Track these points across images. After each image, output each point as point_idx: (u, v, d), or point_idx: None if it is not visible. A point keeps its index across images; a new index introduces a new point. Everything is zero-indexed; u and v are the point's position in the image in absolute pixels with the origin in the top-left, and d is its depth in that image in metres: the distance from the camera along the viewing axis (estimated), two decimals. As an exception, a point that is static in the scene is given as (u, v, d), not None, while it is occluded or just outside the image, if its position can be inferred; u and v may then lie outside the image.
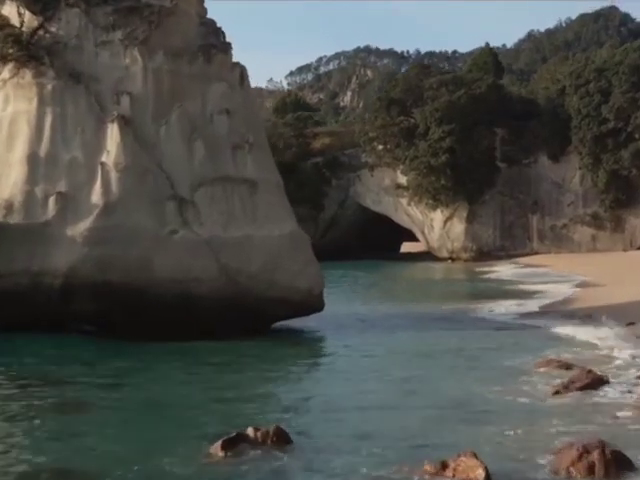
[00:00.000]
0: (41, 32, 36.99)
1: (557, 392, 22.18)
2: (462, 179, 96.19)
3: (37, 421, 19.66)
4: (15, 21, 37.56)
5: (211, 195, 36.49)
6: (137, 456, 16.60)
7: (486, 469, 14.58)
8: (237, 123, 37.54)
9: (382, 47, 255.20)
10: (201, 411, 21.03)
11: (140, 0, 37.22)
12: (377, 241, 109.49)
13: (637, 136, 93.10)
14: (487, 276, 74.32)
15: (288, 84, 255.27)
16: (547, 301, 49.10)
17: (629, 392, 22.06)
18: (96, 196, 35.65)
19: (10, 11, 38.00)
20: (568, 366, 25.95)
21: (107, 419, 20.64)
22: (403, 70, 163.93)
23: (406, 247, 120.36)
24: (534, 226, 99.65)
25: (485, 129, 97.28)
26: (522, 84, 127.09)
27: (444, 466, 15.04)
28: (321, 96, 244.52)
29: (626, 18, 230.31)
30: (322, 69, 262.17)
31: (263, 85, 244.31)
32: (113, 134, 35.96)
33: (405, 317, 42.09)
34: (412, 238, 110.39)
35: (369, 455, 16.56)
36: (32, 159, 36.04)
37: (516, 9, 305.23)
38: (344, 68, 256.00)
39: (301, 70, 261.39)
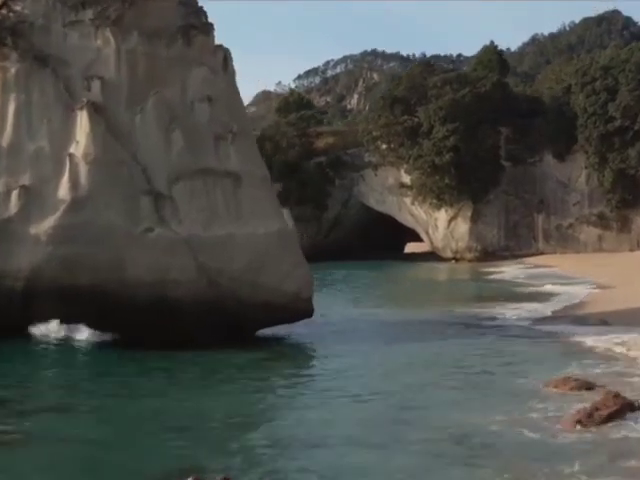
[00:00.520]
0: (4, 11, 32.67)
1: (578, 423, 17.71)
2: (466, 178, 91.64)
3: None
4: (-25, -1, 33.27)
5: (191, 190, 32.24)
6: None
7: None
8: (220, 111, 33.23)
9: (388, 51, 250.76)
10: (139, 450, 16.65)
11: (113, -25, 32.81)
12: (381, 241, 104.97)
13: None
14: (493, 277, 69.80)
15: (296, 87, 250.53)
16: (558, 304, 44.72)
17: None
18: (63, 190, 31.56)
19: (-29, -11, 33.69)
20: (588, 385, 21.55)
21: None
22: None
23: (410, 247, 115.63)
24: (539, 226, 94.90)
25: (490, 128, 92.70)
26: (527, 84, 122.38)
27: None
28: (328, 99, 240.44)
29: (628, 22, 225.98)
30: (329, 72, 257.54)
31: (272, 88, 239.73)
32: (83, 123, 31.80)
33: (405, 323, 37.75)
34: (416, 238, 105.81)
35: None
36: (-8, 150, 31.86)
37: (520, 13, 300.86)
38: (351, 71, 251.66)
39: (309, 73, 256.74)
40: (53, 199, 31.39)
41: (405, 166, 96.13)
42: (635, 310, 37.56)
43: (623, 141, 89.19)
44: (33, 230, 31.16)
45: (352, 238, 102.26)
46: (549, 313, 40.86)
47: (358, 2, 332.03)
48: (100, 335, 30.81)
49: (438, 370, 25.54)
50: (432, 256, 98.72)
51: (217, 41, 34.64)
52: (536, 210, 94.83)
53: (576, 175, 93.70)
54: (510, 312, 41.34)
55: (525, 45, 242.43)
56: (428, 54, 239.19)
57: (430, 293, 56.78)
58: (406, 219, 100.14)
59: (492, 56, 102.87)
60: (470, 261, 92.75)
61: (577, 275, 64.25)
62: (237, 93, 34.14)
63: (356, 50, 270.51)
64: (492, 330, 34.72)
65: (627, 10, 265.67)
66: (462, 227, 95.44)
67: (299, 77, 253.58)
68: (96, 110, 31.72)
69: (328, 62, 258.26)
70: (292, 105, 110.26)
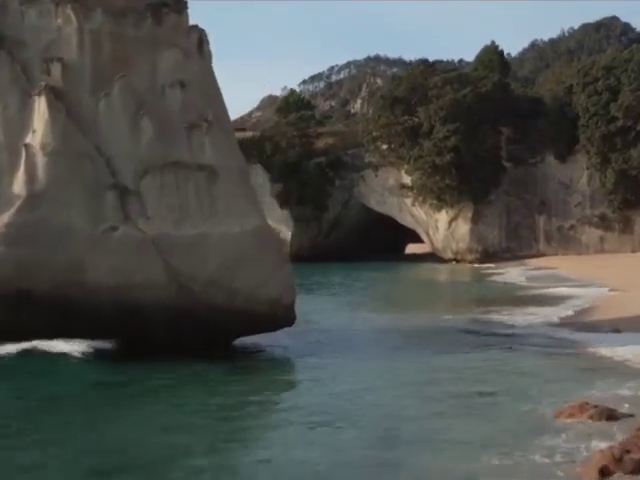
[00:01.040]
0: (-46, -13, 28.42)
1: (603, 473, 13.36)
2: (467, 179, 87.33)
3: None
4: None
5: (160, 184, 28.01)
6: None
7: None
8: (193, 98, 28.94)
9: (391, 56, 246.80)
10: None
11: (74, -53, 28.48)
12: (381, 242, 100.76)
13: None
14: (495, 279, 65.34)
15: (301, 92, 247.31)
16: (566, 309, 40.36)
17: None
18: (18, 185, 27.37)
19: None
20: (612, 413, 17.29)
21: None
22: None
23: (411, 249, 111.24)
24: (541, 227, 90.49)
25: (490, 128, 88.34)
26: (527, 88, 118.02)
27: None
28: (332, 103, 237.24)
29: (627, 28, 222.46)
30: (334, 77, 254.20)
31: (277, 93, 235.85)
32: (41, 110, 27.55)
33: (401, 331, 33.47)
34: (417, 239, 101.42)
35: None
36: (-62, 139, 27.66)
37: (520, 19, 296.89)
38: (355, 76, 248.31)
39: (313, 78, 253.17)
40: (7, 194, 27.17)
41: (405, 166, 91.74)
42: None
43: (625, 141, 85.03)
44: (-17, 229, 26.95)
45: (352, 239, 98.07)
46: (558, 319, 36.45)
47: (362, 9, 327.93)
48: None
49: (432, 391, 21.12)
50: (433, 257, 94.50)
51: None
52: (537, 211, 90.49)
53: (578, 176, 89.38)
54: (516, 318, 37.05)
55: (525, 50, 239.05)
56: (430, 59, 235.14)
57: (430, 296, 52.55)
58: (406, 220, 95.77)
59: (493, 56, 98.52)
60: (471, 262, 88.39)
61: (582, 277, 59.81)
62: (213, 78, 29.79)
63: (360, 56, 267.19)
64: (497, 339, 30.42)
65: (625, 16, 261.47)
66: (463, 228, 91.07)
67: (304, 82, 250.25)
68: (56, 96, 27.49)
69: (332, 67, 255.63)
70: (292, 105, 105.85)
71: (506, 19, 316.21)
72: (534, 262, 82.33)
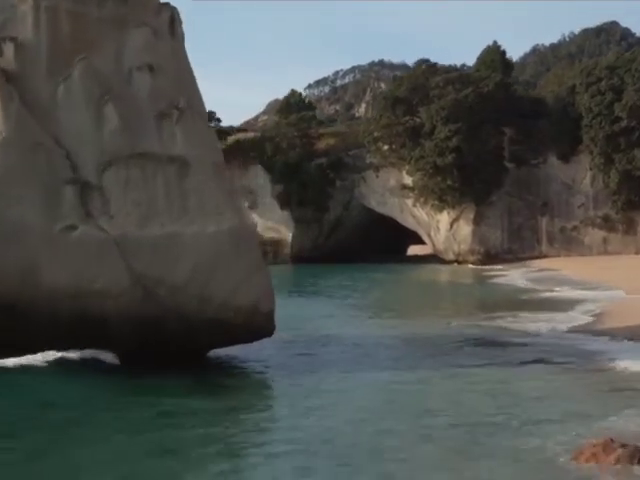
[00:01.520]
0: None
1: None
2: (469, 179, 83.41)
3: None
4: None
5: (125, 178, 24.28)
6: None
7: None
8: (164, 83, 25.18)
9: (395, 61, 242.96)
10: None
11: None
12: (383, 243, 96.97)
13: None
14: (498, 281, 61.28)
15: (306, 96, 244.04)
16: (575, 314, 36.43)
17: None
18: (-35, 178, 23.55)
19: None
20: (644, 457, 13.34)
21: None
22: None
23: (413, 250, 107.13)
24: (543, 228, 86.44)
25: (493, 128, 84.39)
26: (529, 90, 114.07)
27: None
28: (337, 107, 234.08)
29: (626, 33, 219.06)
30: (338, 82, 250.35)
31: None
32: (-9, 95, 23.79)
33: (396, 340, 29.66)
34: (419, 241, 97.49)
35: None
36: None
37: (521, 24, 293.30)
38: (359, 81, 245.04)
39: (319, 83, 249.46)
40: (-48, 189, 23.49)
41: (407, 167, 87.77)
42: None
43: (629, 142, 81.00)
44: None
45: (353, 240, 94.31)
46: (569, 326, 32.40)
47: (366, 15, 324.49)
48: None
49: (422, 420, 17.27)
50: (434, 259, 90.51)
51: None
52: (540, 212, 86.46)
53: (581, 176, 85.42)
54: (523, 325, 33.11)
55: (526, 55, 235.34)
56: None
57: (430, 301, 48.40)
58: (408, 221, 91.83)
59: (495, 56, 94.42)
60: (473, 264, 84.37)
61: (587, 280, 55.82)
62: (186, 61, 26.00)
63: (364, 61, 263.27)
64: (501, 351, 26.49)
65: (625, 21, 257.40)
66: (464, 229, 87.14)
67: (309, 86, 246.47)
68: (8, 79, 23.81)
69: (337, 72, 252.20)
70: (293, 106, 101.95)
71: (508, 24, 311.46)
72: (537, 264, 78.45)
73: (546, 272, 67.85)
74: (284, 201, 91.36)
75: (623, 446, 13.71)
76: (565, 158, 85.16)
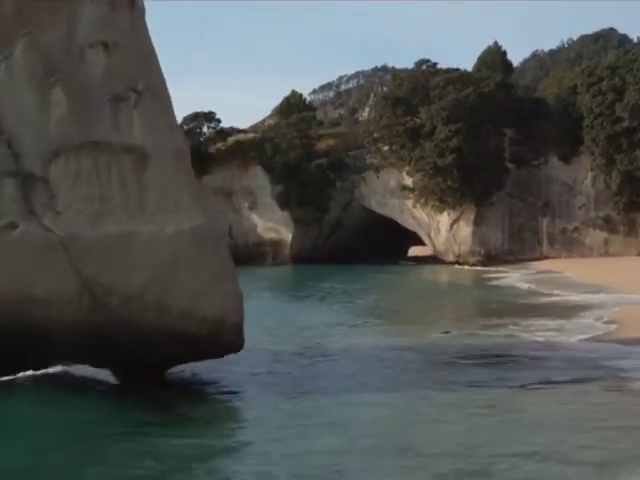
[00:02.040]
0: None
1: None
2: (469, 180, 79.36)
3: None
4: None
5: (75, 171, 20.40)
6: None
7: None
8: (121, 62, 21.23)
9: (398, 66, 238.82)
10: None
11: None
12: (383, 244, 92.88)
13: (653, 135, 76.06)
14: (499, 283, 57.06)
15: (312, 100, 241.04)
16: (586, 321, 32.27)
17: None
18: None
19: None
20: None
21: None
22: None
23: (414, 251, 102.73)
24: (544, 229, 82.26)
25: (493, 128, 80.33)
26: (530, 93, 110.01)
27: None
28: (341, 111, 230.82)
29: (624, 39, 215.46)
30: (343, 87, 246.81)
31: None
32: None
33: (387, 354, 25.59)
34: (421, 241, 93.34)
35: None
36: None
37: (520, 31, 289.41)
38: (363, 86, 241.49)
39: (323, 88, 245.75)
40: None
41: (407, 168, 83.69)
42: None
43: (631, 142, 76.85)
44: None
45: (354, 241, 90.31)
46: (585, 337, 28.19)
47: (369, 22, 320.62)
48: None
49: (411, 459, 13.29)
50: (435, 260, 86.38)
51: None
52: (541, 213, 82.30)
53: (582, 177, 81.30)
54: (532, 334, 28.93)
55: (526, 61, 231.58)
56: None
57: (428, 305, 44.30)
58: (408, 222, 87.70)
59: (495, 56, 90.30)
60: (473, 265, 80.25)
61: (591, 282, 51.61)
62: (147, 38, 21.98)
63: (368, 66, 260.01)
64: (508, 369, 22.38)
65: (622, 28, 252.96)
66: (465, 230, 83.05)
67: (314, 91, 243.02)
68: (-61, 57, 20.01)
69: (341, 77, 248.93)
70: (293, 107, 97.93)
71: (508, 30, 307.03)
72: (538, 265, 74.32)
73: (548, 274, 63.73)
74: (284, 202, 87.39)
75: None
76: (566, 159, 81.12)
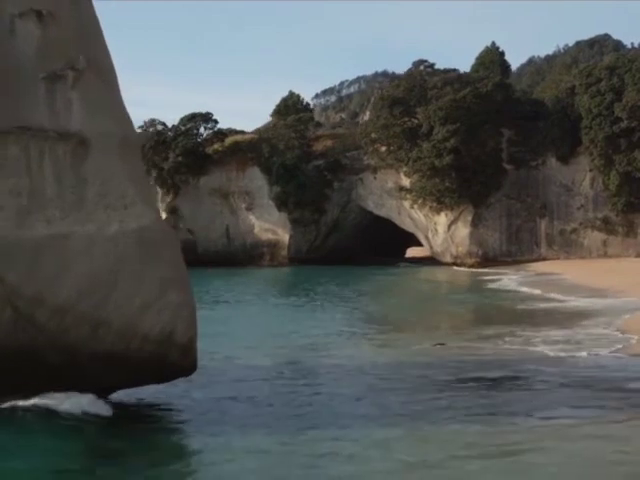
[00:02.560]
0: None
1: None
2: (467, 181, 75.67)
3: None
4: None
5: (0, 160, 16.57)
6: None
7: None
8: (57, 35, 17.41)
9: (398, 71, 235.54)
10: None
11: None
12: (381, 245, 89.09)
13: (652, 136, 72.19)
14: (497, 286, 53.01)
15: (314, 105, 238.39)
16: (599, 330, 28.24)
17: None
18: None
19: None
20: None
21: None
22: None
23: (413, 252, 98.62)
24: (542, 231, 78.32)
25: (491, 129, 76.49)
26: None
27: None
28: (343, 115, 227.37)
29: (618, 45, 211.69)
30: (344, 92, 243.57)
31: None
32: None
33: (377, 371, 21.67)
34: (419, 242, 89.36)
35: None
36: None
37: (517, 37, 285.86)
38: (364, 91, 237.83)
39: (325, 92, 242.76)
40: None
41: (404, 169, 79.78)
42: None
43: (630, 143, 73.05)
44: None
45: (351, 242, 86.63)
46: (597, 351, 23.86)
47: (371, 28, 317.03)
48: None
49: None
50: (433, 261, 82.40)
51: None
52: (539, 214, 78.36)
53: (580, 178, 77.40)
54: (539, 346, 24.79)
55: (523, 66, 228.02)
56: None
57: (423, 311, 40.07)
58: (405, 223, 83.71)
59: (494, 57, 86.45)
60: (471, 267, 76.29)
61: (594, 285, 47.58)
62: (89, 7, 18.14)
63: (368, 71, 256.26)
64: (512, 393, 18.35)
65: (616, 34, 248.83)
66: (462, 231, 79.15)
67: (317, 96, 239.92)
68: None
69: (343, 82, 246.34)
70: (291, 107, 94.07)
71: (506, 37, 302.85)
72: (536, 267, 70.35)
73: (547, 276, 59.78)
74: (281, 203, 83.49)
75: None
76: (564, 160, 77.24)
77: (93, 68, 17.38)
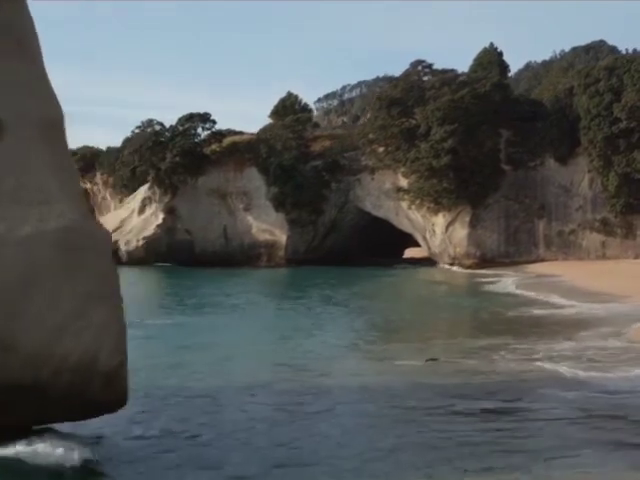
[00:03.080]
0: None
1: None
2: (465, 182, 72.12)
3: None
4: None
5: None
6: None
7: None
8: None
9: (399, 75, 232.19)
10: None
11: None
12: (379, 246, 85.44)
13: (652, 137, 68.60)
14: (496, 289, 49.27)
15: (317, 109, 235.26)
16: (613, 344, 24.35)
17: None
18: None
19: None
20: None
21: None
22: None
23: (411, 252, 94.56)
24: (540, 232, 74.61)
25: (489, 130, 72.90)
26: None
27: None
28: (345, 119, 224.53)
29: (614, 51, 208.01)
30: (346, 96, 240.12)
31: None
32: None
33: (369, 395, 17.93)
34: (417, 243, 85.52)
35: None
36: None
37: (515, 43, 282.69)
38: (365, 95, 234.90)
39: (328, 97, 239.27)
40: None
41: (402, 169, 76.15)
42: None
43: (629, 143, 69.50)
44: None
45: (349, 243, 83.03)
46: (626, 372, 19.70)
47: (372, 34, 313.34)
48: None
49: None
50: (430, 262, 78.63)
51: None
52: (537, 215, 74.64)
53: (579, 179, 73.69)
54: (548, 365, 20.79)
55: (520, 71, 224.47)
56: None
57: (418, 319, 35.92)
58: (403, 224, 79.96)
59: (492, 58, 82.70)
60: (469, 267, 72.67)
61: (595, 289, 43.86)
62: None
63: (370, 76, 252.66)
64: (526, 432, 14.43)
65: (611, 40, 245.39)
66: (460, 232, 75.48)
67: (319, 100, 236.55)
68: None
69: (345, 87, 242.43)
70: (289, 108, 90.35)
71: (503, 43, 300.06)
72: (534, 268, 66.69)
73: (546, 278, 56.11)
74: (279, 203, 79.89)
75: None
76: (563, 160, 73.57)
77: (9, 40, 13.80)
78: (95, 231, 13.92)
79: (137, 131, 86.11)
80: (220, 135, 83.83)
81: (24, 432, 13.26)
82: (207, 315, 37.34)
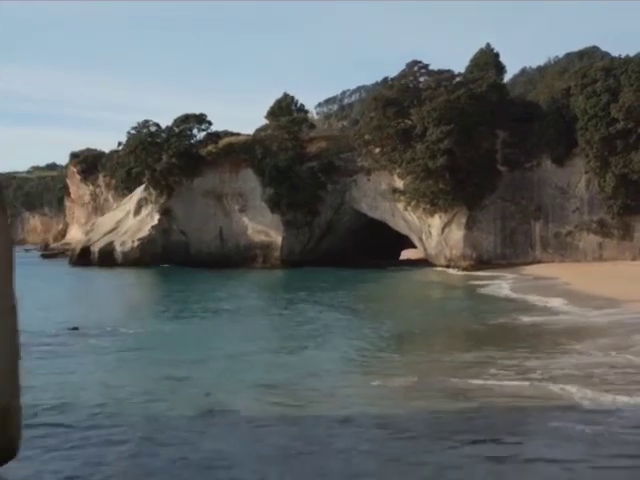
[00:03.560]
0: None
1: None
2: (461, 183, 68.96)
3: None
4: None
5: None
6: None
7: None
8: None
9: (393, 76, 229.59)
10: None
11: None
12: (375, 247, 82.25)
13: (649, 137, 65.45)
14: (492, 292, 45.84)
15: (317, 113, 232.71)
16: (617, 359, 21.03)
17: None
18: None
19: None
20: None
21: None
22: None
23: (407, 254, 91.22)
24: (537, 233, 71.32)
25: (486, 130, 69.68)
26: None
27: None
28: (345, 123, 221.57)
29: (606, 57, 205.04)
30: (346, 100, 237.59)
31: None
32: None
33: (343, 442, 14.64)
34: (413, 245, 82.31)
35: None
36: None
37: (510, 49, 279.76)
38: (364, 100, 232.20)
39: (328, 101, 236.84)
40: None
41: (398, 170, 72.95)
42: None
43: (626, 144, 66.35)
44: None
45: (345, 244, 79.92)
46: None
47: (372, 39, 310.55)
48: None
49: None
50: (427, 263, 75.36)
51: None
52: (533, 217, 71.36)
53: (575, 180, 70.44)
54: (549, 385, 17.41)
55: (515, 77, 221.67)
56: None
57: (405, 329, 32.00)
58: (399, 225, 76.71)
59: (489, 58, 79.48)
60: (465, 269, 69.49)
61: (596, 292, 40.49)
62: None
63: (369, 81, 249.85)
64: None
65: (604, 46, 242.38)
66: (456, 234, 72.25)
67: (319, 105, 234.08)
68: None
69: (344, 92, 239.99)
70: (284, 109, 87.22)
71: (501, 48, 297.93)
72: (531, 270, 63.51)
73: (544, 281, 52.86)
74: (274, 204, 76.76)
75: None
76: (560, 161, 70.33)
77: None
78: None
79: (133, 132, 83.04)
80: (216, 136, 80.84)
81: None
82: (191, 322, 34.19)
